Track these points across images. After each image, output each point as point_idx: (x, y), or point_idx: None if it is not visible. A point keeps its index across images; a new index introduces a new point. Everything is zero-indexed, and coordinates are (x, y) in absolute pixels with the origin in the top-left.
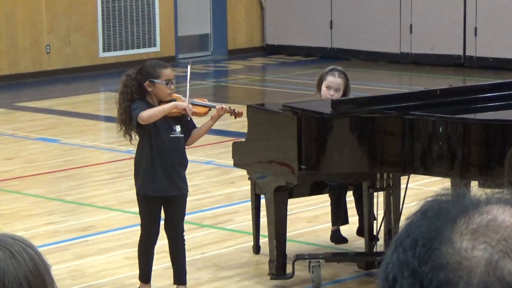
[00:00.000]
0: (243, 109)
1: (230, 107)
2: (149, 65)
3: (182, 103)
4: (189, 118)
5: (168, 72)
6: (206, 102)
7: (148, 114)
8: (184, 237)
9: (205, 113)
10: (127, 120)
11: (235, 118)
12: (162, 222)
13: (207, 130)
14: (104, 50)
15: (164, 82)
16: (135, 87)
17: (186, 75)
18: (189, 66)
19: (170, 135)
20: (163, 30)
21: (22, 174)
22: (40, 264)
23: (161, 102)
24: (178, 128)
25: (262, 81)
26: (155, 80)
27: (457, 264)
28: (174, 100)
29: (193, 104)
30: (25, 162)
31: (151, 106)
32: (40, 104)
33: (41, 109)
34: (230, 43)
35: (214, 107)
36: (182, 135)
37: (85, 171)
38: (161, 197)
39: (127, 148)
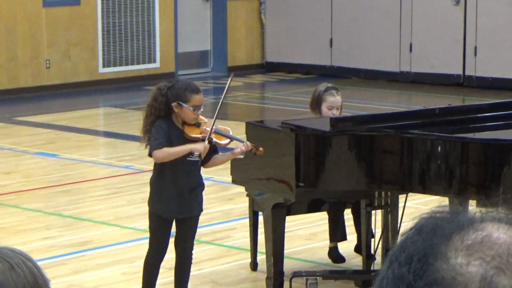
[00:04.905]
0: (242, 126)
1: (251, 143)
2: (181, 86)
3: (200, 146)
4: (198, 158)
5: (197, 98)
6: (230, 134)
7: (161, 156)
8: (192, 255)
9: (227, 144)
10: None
11: (255, 154)
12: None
13: (228, 160)
14: (104, 66)
15: (191, 108)
16: (163, 103)
17: (224, 87)
18: (229, 78)
19: (188, 158)
20: (163, 46)
21: (20, 188)
22: (39, 277)
23: (184, 123)
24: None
25: (262, 98)
26: (183, 104)
27: (451, 280)
28: (199, 124)
29: (217, 133)
30: (23, 176)
31: (173, 126)
32: (39, 118)
33: (40, 124)
34: (230, 60)
35: (238, 140)
36: (199, 159)
37: (83, 186)
38: (173, 219)
39: (126, 163)
